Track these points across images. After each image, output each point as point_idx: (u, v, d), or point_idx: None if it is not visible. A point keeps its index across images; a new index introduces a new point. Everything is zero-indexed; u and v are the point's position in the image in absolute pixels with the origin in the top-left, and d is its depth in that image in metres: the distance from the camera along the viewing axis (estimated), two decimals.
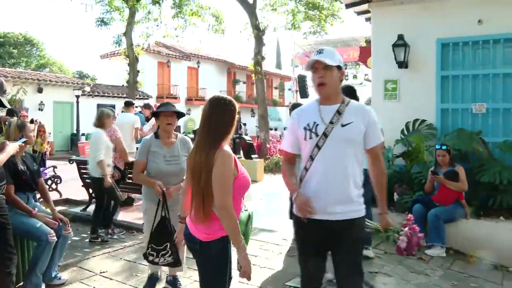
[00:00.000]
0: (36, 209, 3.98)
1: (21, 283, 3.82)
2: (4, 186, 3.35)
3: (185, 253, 3.86)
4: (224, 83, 32.82)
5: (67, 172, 9.13)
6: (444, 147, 5.39)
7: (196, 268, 2.62)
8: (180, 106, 28.34)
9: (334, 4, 16.50)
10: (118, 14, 17.99)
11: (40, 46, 43.63)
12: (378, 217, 2.78)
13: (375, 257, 4.83)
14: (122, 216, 6.58)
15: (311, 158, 2.52)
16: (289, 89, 36.82)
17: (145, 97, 24.24)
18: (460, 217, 5.28)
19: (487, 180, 5.42)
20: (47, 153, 8.49)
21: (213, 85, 30.93)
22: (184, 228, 2.65)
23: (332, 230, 2.50)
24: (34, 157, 4.27)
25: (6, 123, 4.34)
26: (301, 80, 21.27)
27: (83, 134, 21.90)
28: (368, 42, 10.53)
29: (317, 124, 2.52)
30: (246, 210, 2.59)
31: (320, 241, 2.57)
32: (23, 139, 3.81)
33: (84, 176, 7.26)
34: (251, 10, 15.65)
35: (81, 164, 7.37)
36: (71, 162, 7.84)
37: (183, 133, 20.40)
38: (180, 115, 3.87)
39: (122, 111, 8.01)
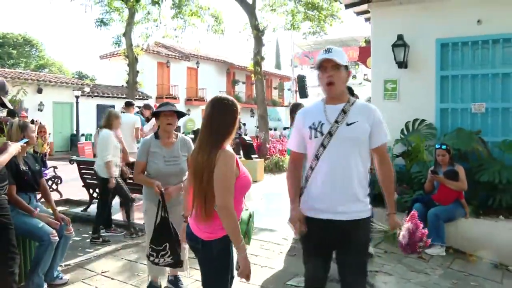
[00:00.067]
0: (38, 209, 4.00)
1: (23, 283, 3.84)
2: (6, 186, 3.36)
3: (187, 252, 3.88)
4: (223, 83, 32.84)
5: (67, 172, 9.15)
6: (443, 147, 5.41)
7: (198, 268, 2.64)
8: (180, 107, 28.32)
9: (333, 4, 16.50)
10: (117, 15, 18.00)
11: (40, 47, 43.64)
12: (386, 217, 2.74)
13: (376, 256, 4.85)
14: (123, 216, 6.58)
15: (317, 157, 2.52)
16: (289, 89, 36.83)
17: (145, 98, 24.27)
18: (459, 216, 5.30)
19: (487, 180, 5.44)
20: (47, 153, 8.50)
21: (213, 85, 30.97)
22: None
23: (337, 230, 2.49)
24: (35, 158, 4.29)
25: (8, 123, 4.36)
26: (301, 80, 21.29)
27: (82, 135, 21.95)
28: (367, 42, 10.56)
29: (322, 123, 2.52)
30: (247, 210, 2.59)
31: (325, 241, 2.57)
32: (25, 140, 3.83)
33: (85, 176, 7.28)
34: (250, 11, 15.65)
35: (82, 165, 7.39)
36: (71, 163, 7.86)
37: (183, 133, 20.46)
38: (180, 115, 3.87)
39: (122, 112, 8.03)
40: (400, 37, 6.40)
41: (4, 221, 3.22)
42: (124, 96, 21.73)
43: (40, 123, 7.11)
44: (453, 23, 6.26)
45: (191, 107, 30.13)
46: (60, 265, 4.28)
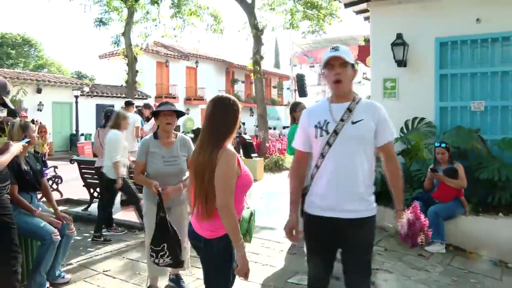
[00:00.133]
0: (40, 208, 4.02)
1: (25, 282, 3.85)
2: (9, 186, 3.37)
3: (189, 252, 3.90)
4: (222, 82, 32.86)
5: (67, 172, 9.17)
6: (443, 145, 5.43)
7: (199, 266, 2.65)
8: (179, 106, 28.35)
9: (332, 3, 16.51)
10: (116, 14, 18.01)
11: (38, 47, 43.63)
12: (394, 215, 2.73)
13: (376, 254, 4.87)
14: (124, 215, 6.62)
15: (322, 155, 2.53)
16: (288, 88, 36.83)
17: (144, 97, 24.27)
18: (459, 214, 5.33)
19: (486, 177, 5.47)
20: (46, 153, 8.51)
21: (212, 84, 30.99)
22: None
23: (342, 228, 2.49)
24: (37, 157, 4.30)
25: (9, 123, 4.37)
26: (300, 79, 21.29)
27: (82, 135, 21.95)
28: (366, 41, 10.56)
29: (328, 122, 2.52)
30: (248, 208, 2.60)
31: (329, 239, 2.57)
32: (27, 139, 3.84)
33: (85, 176, 7.29)
34: (249, 10, 15.67)
35: (82, 164, 7.40)
36: (72, 162, 7.86)
37: (182, 132, 20.47)
38: (179, 114, 3.86)
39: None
40: (399, 36, 6.42)
41: (7, 220, 3.24)
42: (124, 95, 21.74)
43: (41, 123, 7.11)
44: (452, 22, 6.28)
45: (190, 106, 30.14)
46: (62, 264, 4.30)
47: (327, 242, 2.59)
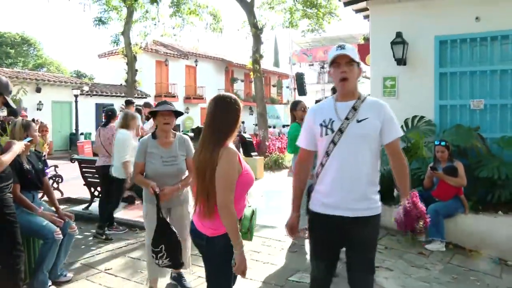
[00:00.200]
0: (42, 207, 4.04)
1: (28, 281, 3.87)
2: (11, 185, 3.39)
3: (190, 251, 3.92)
4: (222, 81, 32.85)
5: (67, 171, 9.19)
6: (443, 143, 5.45)
7: (200, 264, 2.67)
8: (179, 105, 28.38)
9: (331, 2, 16.52)
10: (116, 14, 18.01)
11: (38, 46, 43.54)
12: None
13: (376, 252, 4.89)
14: (125, 214, 6.64)
15: (327, 154, 2.54)
16: (287, 87, 36.86)
17: (144, 96, 24.26)
18: (459, 212, 5.35)
19: (486, 176, 5.48)
20: (46, 153, 8.53)
21: (211, 83, 30.99)
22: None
23: (346, 226, 2.50)
24: (39, 156, 4.32)
25: (10, 123, 4.39)
26: (299, 77, 21.32)
27: (81, 134, 21.94)
28: (366, 39, 10.57)
29: (333, 121, 2.54)
30: (250, 206, 2.62)
31: (334, 237, 2.59)
32: (29, 139, 3.86)
33: (86, 175, 7.31)
34: (249, 9, 15.67)
35: (83, 163, 7.42)
36: (72, 161, 7.88)
37: (182, 131, 20.47)
38: (178, 114, 3.83)
39: (121, 110, 8.04)
40: (399, 34, 6.43)
41: (10, 219, 3.26)
42: (123, 95, 21.75)
43: (42, 122, 7.12)
44: (451, 20, 6.29)
45: (190, 105, 30.15)
46: (64, 263, 4.31)
47: (331, 240, 2.61)
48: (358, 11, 7.80)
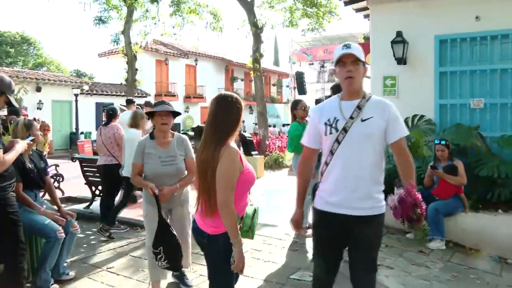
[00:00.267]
0: (44, 206, 4.06)
1: (31, 279, 3.90)
2: (14, 184, 3.41)
3: (190, 250, 3.94)
4: (222, 80, 32.88)
5: (68, 170, 9.21)
6: (443, 142, 5.47)
7: (201, 263, 2.69)
8: (179, 104, 28.40)
9: (331, 1, 16.53)
10: (116, 13, 18.01)
11: (37, 45, 43.54)
12: None
13: None
14: (126, 213, 6.65)
15: (331, 152, 2.55)
16: (287, 86, 36.90)
17: (144, 95, 24.28)
18: (459, 211, 5.37)
19: (486, 174, 5.50)
20: (46, 152, 8.55)
21: (211, 82, 31.02)
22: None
23: (350, 225, 2.51)
24: (41, 155, 4.34)
25: (12, 122, 4.41)
26: (299, 77, 21.34)
27: (82, 133, 21.96)
28: (366, 38, 10.60)
29: (337, 120, 2.55)
30: (252, 205, 2.63)
31: (337, 236, 2.60)
32: (31, 138, 3.89)
33: (87, 174, 7.33)
34: (249, 8, 15.68)
35: (84, 162, 7.44)
36: (74, 160, 7.90)
37: (182, 130, 20.48)
38: (175, 114, 3.81)
39: (122, 109, 8.06)
40: (399, 33, 6.44)
41: (13, 218, 3.28)
42: (123, 94, 21.77)
43: (44, 121, 7.14)
44: (451, 19, 6.31)
45: (190, 104, 30.17)
46: (66, 261, 4.33)
47: (335, 238, 2.62)
48: (358, 10, 7.82)
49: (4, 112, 6.99)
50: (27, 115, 7.84)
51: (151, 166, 3.66)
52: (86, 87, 22.58)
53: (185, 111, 29.71)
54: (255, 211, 2.60)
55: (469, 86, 6.32)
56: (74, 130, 21.73)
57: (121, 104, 8.73)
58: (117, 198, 6.41)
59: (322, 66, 35.39)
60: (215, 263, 2.56)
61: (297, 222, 2.77)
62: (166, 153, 3.69)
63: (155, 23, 17.81)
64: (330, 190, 2.58)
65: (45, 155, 7.91)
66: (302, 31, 18.53)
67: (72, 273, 4.27)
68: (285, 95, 38.91)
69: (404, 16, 6.61)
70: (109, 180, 6.23)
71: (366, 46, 8.80)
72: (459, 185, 5.33)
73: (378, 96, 2.70)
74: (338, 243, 2.64)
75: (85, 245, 5.38)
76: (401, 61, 6.49)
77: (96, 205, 6.97)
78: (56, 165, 8.80)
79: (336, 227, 2.57)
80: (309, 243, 5.15)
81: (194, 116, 29.93)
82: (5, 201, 3.22)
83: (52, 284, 3.91)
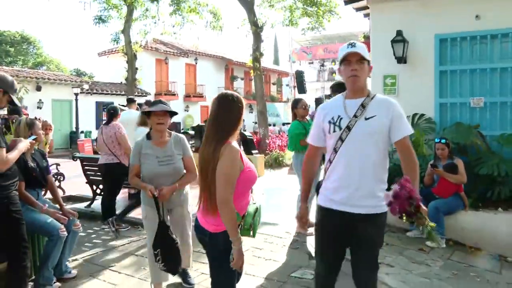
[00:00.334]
0: (47, 205, 4.07)
1: (33, 277, 3.92)
2: (17, 183, 3.43)
3: (191, 250, 3.95)
4: (222, 79, 32.91)
5: (69, 169, 9.22)
6: (443, 141, 5.49)
7: (203, 261, 2.70)
8: (179, 103, 28.42)
9: (331, 0, 16.54)
10: (116, 12, 18.00)
11: (37, 44, 43.51)
12: None
13: None
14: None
15: (335, 150, 2.57)
16: (287, 85, 36.93)
17: (144, 94, 24.30)
18: (459, 209, 5.39)
19: (486, 173, 5.52)
20: (46, 152, 8.57)
21: (211, 81, 31.05)
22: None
23: (353, 223, 2.53)
24: (43, 154, 4.35)
25: (14, 121, 4.43)
26: (299, 75, 21.34)
27: (82, 132, 21.98)
28: (366, 37, 10.59)
29: (341, 118, 2.56)
30: (255, 204, 2.65)
31: (340, 233, 2.61)
32: (33, 137, 3.90)
33: (88, 173, 7.34)
34: (249, 7, 15.67)
35: (85, 161, 7.46)
36: (75, 159, 7.92)
37: (182, 129, 20.49)
38: (172, 113, 3.78)
39: (122, 109, 8.09)
40: (399, 32, 6.45)
41: (17, 216, 3.30)
42: (123, 93, 21.79)
43: (46, 121, 7.15)
44: (451, 18, 6.32)
45: (190, 103, 30.20)
46: (68, 260, 4.35)
47: (338, 236, 2.63)
48: (358, 9, 7.82)
49: (4, 111, 7.00)
50: (28, 114, 7.85)
51: (148, 166, 3.63)
52: (86, 86, 22.60)
53: (185, 110, 29.73)
54: (256, 209, 2.61)
55: (469, 85, 6.34)
56: (74, 129, 21.76)
57: (119, 104, 8.73)
58: (119, 197, 6.43)
59: (322, 65, 35.43)
60: (217, 261, 2.57)
61: (302, 217, 2.78)
62: (163, 153, 3.66)
63: (155, 22, 17.82)
64: (333, 188, 2.60)
65: (45, 154, 7.97)
66: (302, 30, 18.53)
67: (74, 272, 4.29)
68: (285, 94, 38.95)
69: (404, 15, 6.62)
70: (110, 179, 6.25)
71: (366, 45, 8.83)
72: (459, 184, 5.36)
73: (383, 95, 2.72)
74: (341, 241, 2.66)
75: (86, 244, 5.40)
76: (401, 60, 6.50)
77: (97, 204, 6.99)
78: (57, 164, 8.82)
79: (339, 225, 2.59)
80: (310, 242, 5.18)
81: (194, 115, 29.95)
82: (8, 200, 3.24)
83: (54, 282, 3.93)
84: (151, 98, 23.86)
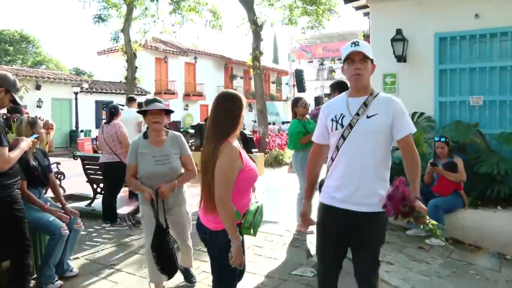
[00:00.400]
0: (48, 203, 4.09)
1: (35, 275, 3.94)
2: (19, 181, 3.44)
3: (192, 250, 3.95)
4: (221, 78, 32.91)
5: (69, 168, 9.22)
6: (442, 139, 5.51)
7: (204, 259, 2.71)
8: (178, 102, 28.43)
9: None
10: (115, 11, 17.98)
11: (36, 43, 43.44)
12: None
13: None
14: (128, 210, 6.68)
15: (337, 148, 2.59)
16: (286, 84, 36.97)
17: (143, 93, 24.28)
18: (458, 207, 5.42)
19: (485, 171, 5.55)
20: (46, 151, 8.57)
21: (211, 80, 31.05)
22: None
23: (355, 221, 2.53)
24: (44, 153, 4.37)
25: (16, 120, 4.44)
26: (298, 74, 21.38)
27: (81, 131, 21.98)
28: (366, 36, 10.60)
29: (344, 116, 2.58)
30: (257, 202, 2.66)
31: (342, 231, 2.62)
32: (35, 135, 3.92)
33: (89, 171, 7.35)
34: (248, 6, 15.67)
35: (86, 160, 7.47)
36: (75, 158, 7.93)
37: (182, 128, 20.49)
38: (168, 112, 3.75)
39: (122, 108, 8.10)
40: (399, 31, 6.47)
41: (19, 215, 3.32)
42: (123, 92, 21.79)
43: (47, 121, 7.16)
44: (451, 17, 6.34)
45: (189, 102, 30.20)
46: (70, 258, 4.37)
47: (339, 233, 2.63)
48: (358, 8, 7.84)
49: (4, 110, 7.00)
50: (28, 113, 7.85)
51: (145, 166, 3.60)
52: (85, 85, 22.61)
53: (184, 109, 29.74)
54: (258, 208, 2.61)
55: (469, 83, 6.36)
56: (74, 128, 21.78)
57: (118, 104, 8.74)
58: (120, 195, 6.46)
59: (322, 64, 35.46)
60: (217, 259, 2.59)
61: (305, 214, 2.79)
62: (160, 152, 3.63)
63: (154, 21, 17.77)
64: (335, 186, 2.61)
65: (47, 153, 7.98)
66: (301, 29, 18.53)
67: (75, 270, 4.31)
68: (285, 92, 38.97)
69: (404, 14, 6.64)
70: (111, 178, 6.27)
71: None
72: (459, 182, 5.38)
73: (386, 94, 2.72)
74: (342, 240, 2.66)
75: (87, 242, 5.42)
76: (401, 58, 6.52)
77: (97, 203, 7.01)
78: (58, 163, 8.82)
79: (341, 223, 2.59)
80: (310, 240, 5.20)
81: (194, 114, 29.95)
82: (11, 199, 3.26)
83: (56, 280, 3.95)
84: (151, 97, 23.84)
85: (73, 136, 21.34)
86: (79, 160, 7.71)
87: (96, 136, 6.93)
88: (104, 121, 6.57)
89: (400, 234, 5.47)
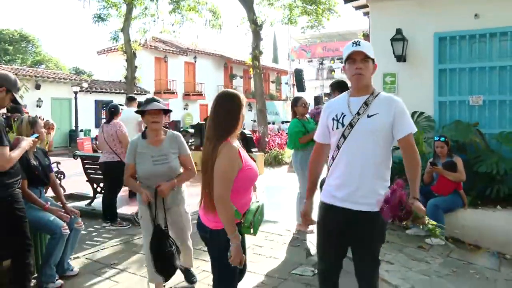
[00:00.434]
0: (49, 203, 4.10)
1: (36, 274, 3.94)
2: (20, 181, 3.45)
3: (192, 250, 3.96)
4: (221, 77, 32.91)
5: (69, 168, 9.22)
6: (442, 139, 5.52)
7: (204, 258, 2.72)
8: (178, 101, 28.43)
9: None
10: (115, 10, 17.97)
11: (36, 43, 43.42)
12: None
13: None
14: (129, 210, 6.70)
15: (338, 147, 2.60)
16: (286, 83, 36.96)
17: (143, 93, 24.25)
18: (458, 207, 5.42)
19: (485, 171, 5.56)
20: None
21: (210, 80, 31.06)
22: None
23: (355, 220, 2.54)
24: (45, 153, 4.38)
25: (16, 119, 4.45)
26: (298, 74, 21.39)
27: (81, 130, 21.98)
28: (365, 36, 10.60)
29: (344, 115, 2.58)
30: (258, 202, 2.67)
31: (342, 230, 2.62)
32: (35, 135, 3.92)
33: (89, 171, 7.36)
34: (248, 5, 15.67)
35: (86, 160, 7.47)
36: (75, 158, 7.94)
37: (182, 128, 20.49)
38: (166, 112, 3.74)
39: (121, 108, 8.10)
40: (398, 31, 6.47)
41: (20, 214, 3.33)
42: (123, 91, 21.79)
43: (48, 120, 7.17)
44: (451, 17, 6.34)
45: (189, 101, 30.19)
46: (70, 258, 4.38)
47: (339, 232, 2.64)
48: (358, 7, 7.84)
49: (3, 109, 7.02)
50: (28, 113, 7.86)
51: (143, 166, 3.59)
52: (85, 85, 22.60)
53: (184, 109, 29.74)
54: (258, 207, 2.61)
55: (468, 83, 6.37)
56: (73, 128, 21.77)
57: (118, 103, 8.75)
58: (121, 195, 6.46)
59: (321, 63, 35.49)
60: (217, 258, 2.59)
61: (305, 213, 2.81)
62: (158, 152, 3.61)
63: (154, 21, 17.78)
64: (335, 185, 2.62)
65: (47, 152, 7.98)
66: (301, 29, 18.53)
67: (76, 269, 4.32)
68: (284, 92, 38.97)
69: (404, 14, 6.65)
70: (111, 177, 6.27)
71: None
72: (458, 182, 5.39)
73: (388, 93, 2.72)
74: (342, 238, 2.66)
75: (88, 242, 5.42)
76: (401, 58, 6.53)
77: (97, 202, 7.01)
78: (58, 163, 8.82)
79: (341, 222, 2.60)
80: (310, 239, 5.21)
81: (193, 113, 29.96)
82: (12, 198, 3.26)
83: (56, 279, 3.96)
84: (151, 96, 23.79)
85: (72, 136, 21.33)
86: (79, 159, 7.72)
87: (96, 136, 6.93)
88: (103, 120, 6.56)
89: (400, 234, 5.48)
